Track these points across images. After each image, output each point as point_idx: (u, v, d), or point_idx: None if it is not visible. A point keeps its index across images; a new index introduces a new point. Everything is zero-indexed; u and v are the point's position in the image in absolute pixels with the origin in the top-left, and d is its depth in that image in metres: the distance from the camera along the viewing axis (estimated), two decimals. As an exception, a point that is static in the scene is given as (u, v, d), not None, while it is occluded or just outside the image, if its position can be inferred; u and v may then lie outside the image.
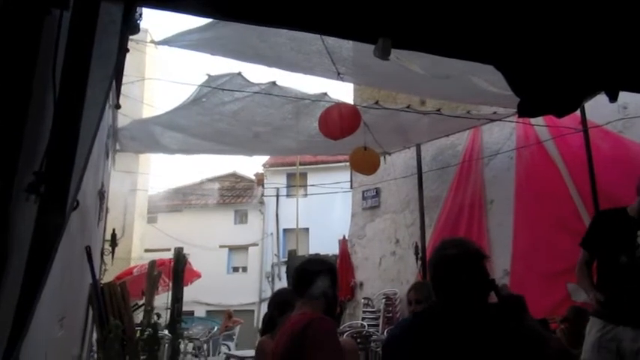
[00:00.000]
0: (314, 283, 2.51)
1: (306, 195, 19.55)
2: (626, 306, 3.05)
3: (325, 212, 17.29)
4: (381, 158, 7.21)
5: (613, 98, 2.18)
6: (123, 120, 7.19)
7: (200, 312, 19.47)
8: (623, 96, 2.45)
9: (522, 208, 7.04)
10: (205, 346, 10.23)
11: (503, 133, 7.55)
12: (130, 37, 3.46)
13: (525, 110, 2.18)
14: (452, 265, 1.92)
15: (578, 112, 6.03)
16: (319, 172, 19.77)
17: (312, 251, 16.38)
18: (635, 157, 5.88)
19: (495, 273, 7.28)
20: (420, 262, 8.03)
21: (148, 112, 8.92)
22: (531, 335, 1.76)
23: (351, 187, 10.73)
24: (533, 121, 6.61)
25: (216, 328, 12.20)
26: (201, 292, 17.51)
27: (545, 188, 6.74)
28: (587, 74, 2.05)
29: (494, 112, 6.53)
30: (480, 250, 2.00)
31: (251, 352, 4.01)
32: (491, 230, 7.49)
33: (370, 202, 10.04)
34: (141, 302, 7.72)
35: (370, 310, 9.24)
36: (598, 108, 5.48)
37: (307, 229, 19.47)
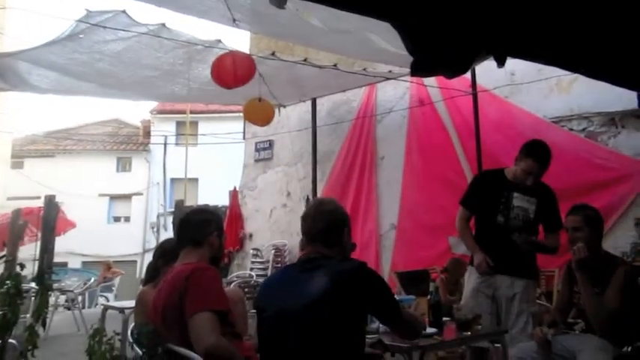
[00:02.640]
0: (199, 233, 2.48)
1: (196, 144, 19.08)
2: (502, 257, 3.32)
3: (216, 163, 17.01)
4: (276, 110, 7.14)
5: (501, 63, 2.25)
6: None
7: (75, 263, 18.66)
8: (512, 63, 2.57)
9: (411, 165, 7.38)
10: (80, 298, 9.82)
11: (397, 92, 7.76)
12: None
13: (418, 69, 2.21)
14: (307, 219, 2.19)
15: (468, 76, 6.35)
16: (211, 121, 19.31)
17: (201, 202, 16.15)
18: (519, 122, 6.33)
19: (383, 227, 7.66)
20: (306, 208, 8.18)
21: (10, 46, 8.03)
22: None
23: (244, 138, 10.60)
24: (426, 81, 6.87)
25: (93, 280, 11.76)
26: (77, 243, 16.81)
27: (434, 147, 7.10)
28: (477, 37, 2.11)
29: (390, 71, 6.67)
30: (338, 215, 2.22)
31: (131, 303, 3.88)
32: (380, 185, 7.79)
33: (263, 154, 9.99)
34: (1, 254, 7.14)
35: (259, 260, 9.38)
36: (487, 73, 5.75)
37: (196, 180, 19.10)
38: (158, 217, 20.14)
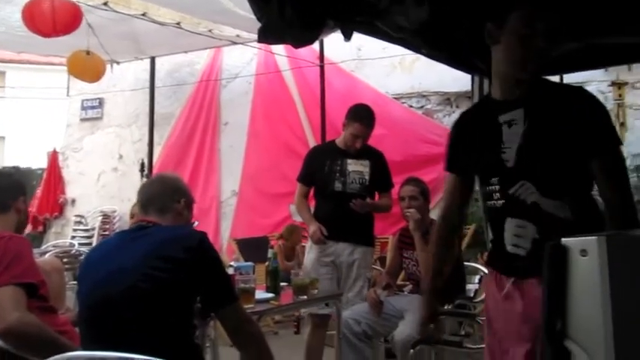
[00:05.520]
0: (5, 198, 2.34)
1: (3, 97, 17.31)
2: (343, 226, 3.60)
3: (29, 120, 15.60)
4: (108, 66, 6.80)
5: (347, 37, 2.44)
6: None
7: None
8: (359, 38, 2.78)
9: (255, 132, 7.54)
10: None
11: (244, 58, 7.82)
12: None
13: (265, 36, 2.29)
14: (143, 188, 2.22)
15: (317, 48, 6.63)
16: (24, 72, 17.59)
17: (8, 163, 14.75)
18: (363, 96, 6.64)
19: (224, 194, 7.74)
20: (145, 180, 7.99)
21: None
22: None
23: (68, 95, 9.90)
24: (274, 49, 7.02)
25: None
26: None
27: (279, 115, 7.32)
28: (324, 8, 2.26)
29: (237, 35, 6.68)
30: (178, 184, 2.22)
31: None
32: (222, 151, 7.86)
33: (91, 112, 9.42)
34: None
35: (83, 228, 8.99)
36: (335, 46, 6.09)
37: (3, 138, 17.38)
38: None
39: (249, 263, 3.02)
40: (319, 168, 3.71)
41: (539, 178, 1.79)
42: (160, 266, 1.81)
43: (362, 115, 3.61)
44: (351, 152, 3.64)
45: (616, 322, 1.18)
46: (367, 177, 3.64)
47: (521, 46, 1.80)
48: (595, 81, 5.29)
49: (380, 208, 3.79)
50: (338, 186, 3.63)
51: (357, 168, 3.64)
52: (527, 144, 1.80)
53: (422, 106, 6.93)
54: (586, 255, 1.23)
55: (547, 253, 1.30)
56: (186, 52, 7.68)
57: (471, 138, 1.97)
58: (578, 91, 1.89)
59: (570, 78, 5.97)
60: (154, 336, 1.78)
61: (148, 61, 8.02)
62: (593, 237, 1.23)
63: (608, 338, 1.18)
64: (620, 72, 5.68)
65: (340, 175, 3.63)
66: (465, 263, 3.69)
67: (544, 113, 1.80)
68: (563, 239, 1.29)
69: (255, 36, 2.35)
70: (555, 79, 6.36)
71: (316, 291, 3.18)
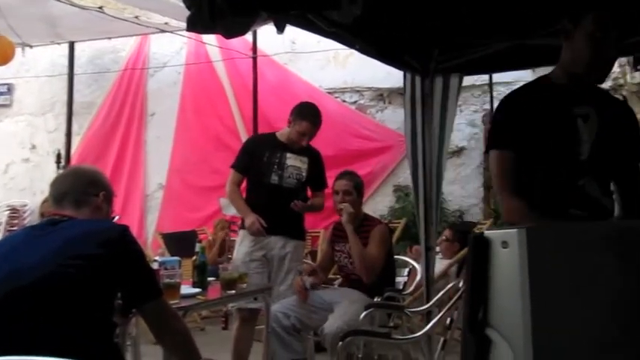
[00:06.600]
0: None
1: None
2: (276, 219, 3.62)
3: None
4: (19, 50, 6.51)
5: (280, 30, 2.45)
6: None
7: None
8: (293, 31, 2.80)
9: (184, 123, 7.44)
10: None
11: (173, 46, 7.69)
12: None
13: (194, 25, 2.26)
14: (56, 180, 2.14)
15: (250, 39, 6.60)
16: None
17: None
18: (296, 90, 6.86)
19: (150, 187, 7.60)
20: (60, 172, 7.70)
21: None
22: None
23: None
24: (205, 39, 6.94)
25: None
26: None
27: (210, 107, 7.27)
28: (257, 0, 2.26)
29: (166, 23, 6.55)
30: (96, 176, 2.15)
31: None
32: (149, 143, 7.72)
33: (-1, 99, 8.99)
34: None
35: (-14, 223, 8.49)
36: (269, 38, 6.14)
37: None
38: None
39: (175, 258, 2.97)
40: (258, 158, 3.70)
41: (605, 176, 1.96)
42: (73, 263, 1.74)
43: (310, 114, 3.65)
44: (292, 147, 3.67)
45: (534, 312, 1.24)
46: (304, 174, 3.68)
47: (591, 47, 1.86)
48: (522, 81, 5.41)
49: (314, 208, 3.86)
50: (274, 179, 3.64)
51: (296, 163, 3.67)
52: (600, 142, 1.92)
53: (355, 101, 7.07)
54: (507, 247, 1.29)
55: (470, 245, 1.37)
56: (109, 38, 7.45)
57: (536, 121, 1.94)
58: (627, 104, 2.27)
59: (499, 77, 6.27)
60: (67, 337, 1.70)
61: (66, 46, 7.70)
62: (514, 229, 1.30)
63: (527, 327, 1.24)
64: (547, 73, 5.97)
65: (278, 168, 3.65)
66: (395, 257, 3.81)
67: (611, 117, 1.95)
68: (486, 231, 1.37)
69: (185, 24, 2.32)
70: (485, 77, 6.67)
71: (245, 285, 3.18)
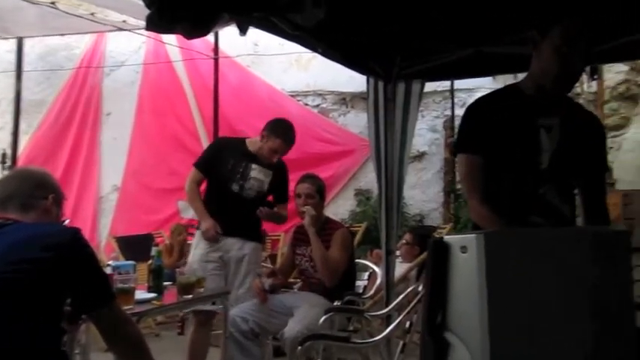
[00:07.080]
0: None
1: None
2: (233, 221, 3.60)
3: None
4: (-39, 45, 6.31)
5: (243, 32, 2.44)
6: None
7: None
8: (256, 33, 2.79)
9: (142, 125, 7.31)
10: None
11: (131, 45, 7.54)
12: None
13: (153, 24, 2.23)
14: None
15: (212, 40, 6.55)
16: None
17: None
18: (258, 92, 6.88)
19: (104, 189, 7.43)
20: (5, 173, 7.45)
21: None
22: None
23: None
24: (165, 38, 6.85)
25: None
26: None
27: (169, 107, 7.17)
28: (218, 1, 2.25)
29: (124, 21, 6.44)
30: (44, 178, 2.08)
31: None
32: (104, 144, 7.54)
33: None
34: None
35: None
36: (231, 39, 6.08)
37: None
38: None
39: (130, 262, 2.92)
40: (222, 163, 3.67)
41: (565, 184, 2.06)
42: (18, 268, 1.68)
43: (285, 132, 3.64)
44: (259, 160, 3.65)
45: (492, 316, 1.28)
46: (266, 187, 3.69)
47: (557, 61, 1.90)
48: (483, 88, 5.62)
49: (279, 217, 3.87)
50: (235, 187, 3.63)
51: (259, 176, 3.67)
52: (561, 151, 2.00)
53: (317, 105, 7.10)
54: (466, 251, 1.33)
55: (430, 249, 1.39)
56: (62, 34, 7.28)
57: (502, 129, 2.00)
58: (595, 115, 2.35)
59: (460, 84, 6.38)
60: (11, 344, 1.64)
61: (14, 42, 7.48)
62: (473, 234, 1.34)
63: (485, 331, 1.27)
64: (507, 80, 6.05)
65: (240, 178, 3.63)
66: (356, 260, 3.83)
67: (575, 127, 2.03)
68: (445, 236, 1.40)
69: (144, 23, 2.28)
70: (446, 84, 6.76)
71: (202, 289, 3.14)
